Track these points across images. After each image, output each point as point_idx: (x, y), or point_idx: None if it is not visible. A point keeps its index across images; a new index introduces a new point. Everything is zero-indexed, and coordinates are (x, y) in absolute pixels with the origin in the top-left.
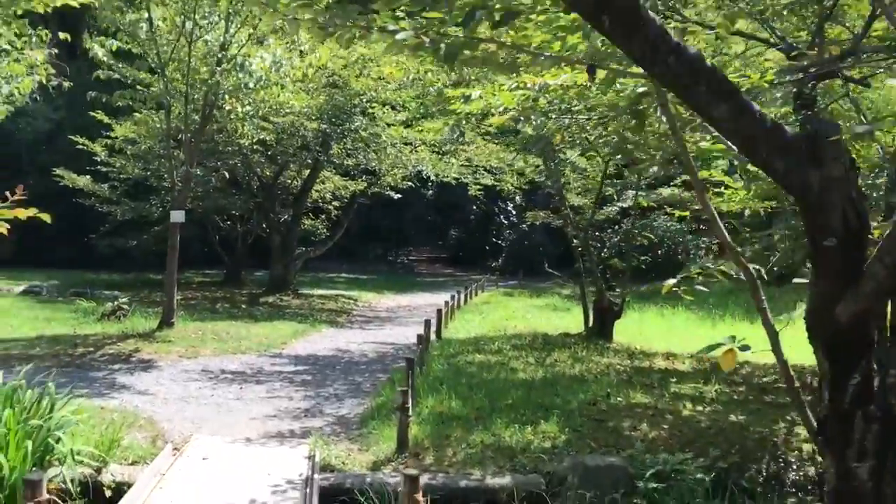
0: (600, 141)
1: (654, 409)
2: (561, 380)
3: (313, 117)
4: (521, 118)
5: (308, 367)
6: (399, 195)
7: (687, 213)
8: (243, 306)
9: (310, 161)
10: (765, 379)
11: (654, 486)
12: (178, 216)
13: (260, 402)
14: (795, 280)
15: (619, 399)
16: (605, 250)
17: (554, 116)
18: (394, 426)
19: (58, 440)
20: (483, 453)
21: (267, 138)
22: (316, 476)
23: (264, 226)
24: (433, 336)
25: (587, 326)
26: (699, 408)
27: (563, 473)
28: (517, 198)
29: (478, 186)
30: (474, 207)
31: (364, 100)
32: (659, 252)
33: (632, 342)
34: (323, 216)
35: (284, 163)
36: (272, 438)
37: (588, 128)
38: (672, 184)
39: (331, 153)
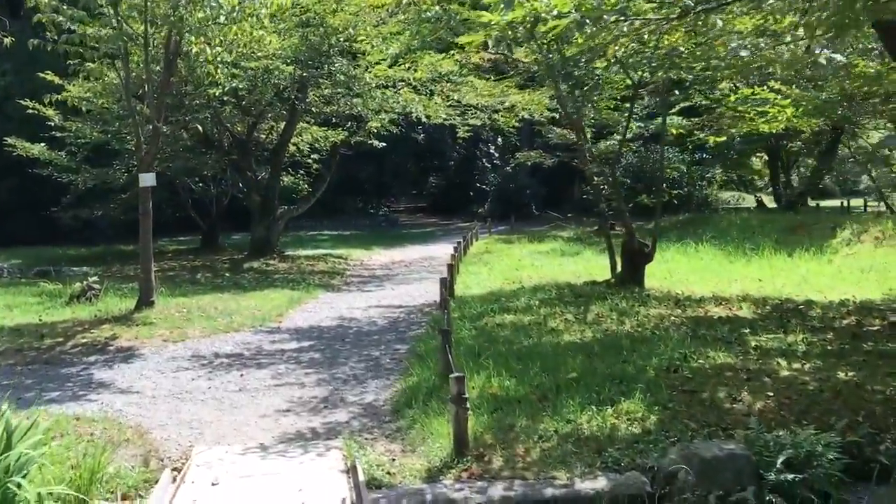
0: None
1: (745, 370)
2: (616, 341)
3: (288, 60)
4: (586, 20)
5: (313, 341)
6: (383, 143)
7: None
8: (227, 275)
9: (286, 111)
10: (846, 322)
11: (789, 477)
12: (147, 179)
13: (267, 391)
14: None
15: (699, 361)
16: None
17: (613, 19)
18: (438, 416)
19: (18, 486)
20: (562, 448)
21: (239, 86)
22: (365, 497)
23: (241, 185)
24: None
25: (614, 272)
26: (796, 365)
27: (670, 468)
28: (499, 139)
29: (467, 128)
30: (454, 154)
31: (342, 38)
32: (665, 185)
33: (667, 286)
34: (302, 171)
35: (259, 114)
36: (292, 442)
37: (646, 37)
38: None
39: (308, 101)
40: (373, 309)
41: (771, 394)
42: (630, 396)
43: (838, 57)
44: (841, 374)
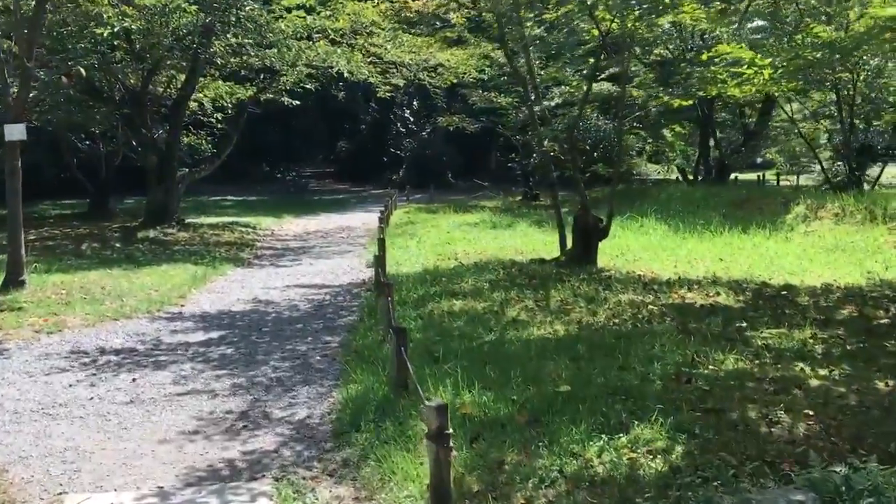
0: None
1: (767, 380)
2: (599, 337)
3: (190, 1)
4: None
5: (224, 331)
6: (296, 101)
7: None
8: (117, 245)
9: (186, 62)
10: (846, 312)
11: None
12: (15, 132)
13: (167, 403)
14: None
15: (708, 367)
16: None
17: None
18: (397, 446)
19: None
20: (574, 497)
21: (132, 27)
22: None
23: (134, 144)
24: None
25: (564, 249)
26: (822, 372)
27: None
28: (415, 103)
29: (387, 88)
30: (366, 117)
31: None
32: (595, 155)
33: (622, 265)
34: (205, 130)
35: (155, 63)
36: (203, 483)
37: None
38: (600, 77)
39: (213, 51)
40: (292, 289)
41: (810, 412)
42: (644, 419)
43: None
44: (880, 384)
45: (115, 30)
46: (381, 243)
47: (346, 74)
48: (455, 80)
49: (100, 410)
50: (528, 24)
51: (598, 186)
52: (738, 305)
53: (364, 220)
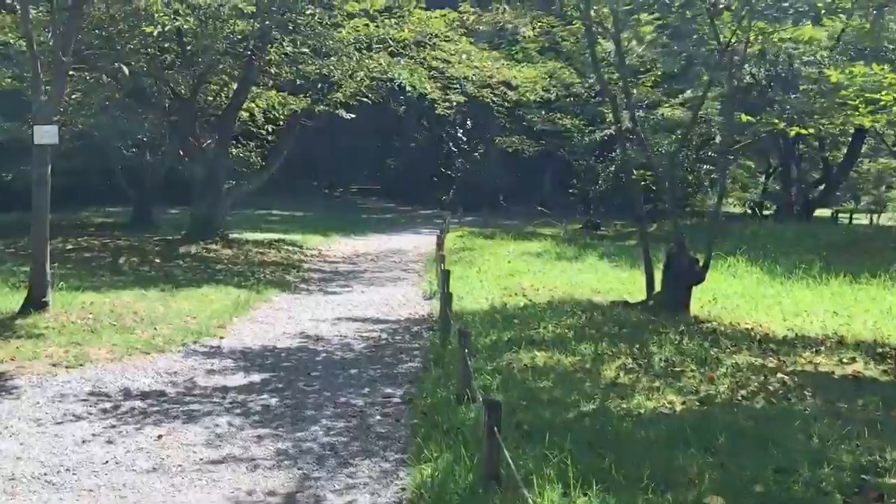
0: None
1: None
2: (729, 418)
3: (248, 3)
4: None
5: (267, 373)
6: (352, 115)
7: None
8: (157, 261)
9: (238, 70)
10: None
11: None
12: (46, 134)
13: (198, 474)
14: None
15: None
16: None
17: None
18: None
19: None
20: None
21: (184, 26)
22: None
23: (181, 153)
24: (437, 307)
25: (651, 292)
26: None
27: None
28: (468, 122)
29: (447, 104)
30: (416, 135)
31: None
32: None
33: (718, 314)
34: (254, 142)
35: (207, 68)
36: None
37: None
38: (668, 104)
39: (268, 58)
40: (343, 323)
41: None
42: None
43: None
44: None
45: (166, 28)
46: (446, 277)
47: (407, 88)
48: (519, 99)
49: (115, 481)
50: (642, 27)
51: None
52: (887, 379)
53: (415, 242)
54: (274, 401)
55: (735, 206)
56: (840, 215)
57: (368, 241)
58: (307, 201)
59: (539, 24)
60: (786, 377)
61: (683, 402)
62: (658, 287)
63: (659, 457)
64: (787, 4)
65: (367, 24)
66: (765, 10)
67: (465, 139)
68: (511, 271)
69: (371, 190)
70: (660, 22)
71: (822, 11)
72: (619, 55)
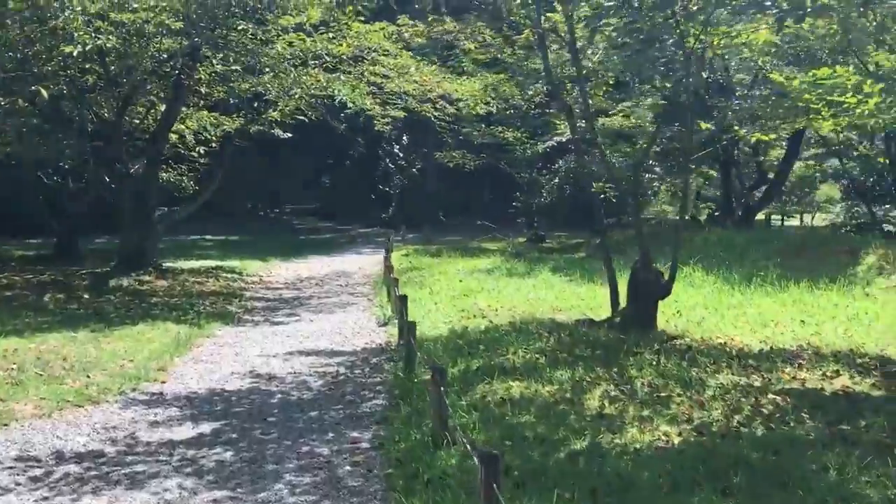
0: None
1: None
2: (733, 449)
3: (175, 17)
4: None
5: (219, 422)
6: (288, 134)
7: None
8: (86, 297)
9: (165, 91)
10: None
11: None
12: None
13: None
14: None
15: None
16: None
17: None
18: None
19: None
20: None
21: (106, 44)
22: None
23: (107, 179)
24: (393, 335)
25: (616, 308)
26: None
27: None
28: (404, 138)
29: (386, 121)
30: (351, 152)
31: None
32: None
33: (685, 328)
34: (185, 165)
35: (132, 90)
36: None
37: None
38: (611, 113)
39: (197, 77)
40: (296, 358)
41: None
42: None
43: None
44: None
45: (87, 48)
46: (403, 303)
47: (348, 105)
48: (458, 113)
49: None
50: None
51: (619, 229)
52: (879, 394)
53: (359, 263)
54: (229, 455)
55: (669, 213)
56: (772, 218)
57: (310, 263)
58: (242, 224)
59: (482, 35)
60: (777, 398)
61: (679, 434)
62: (622, 302)
63: (671, 503)
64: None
65: (302, 39)
66: (738, 8)
67: (401, 155)
68: (464, 291)
69: (305, 210)
70: (613, 26)
71: (808, 9)
72: (575, 63)
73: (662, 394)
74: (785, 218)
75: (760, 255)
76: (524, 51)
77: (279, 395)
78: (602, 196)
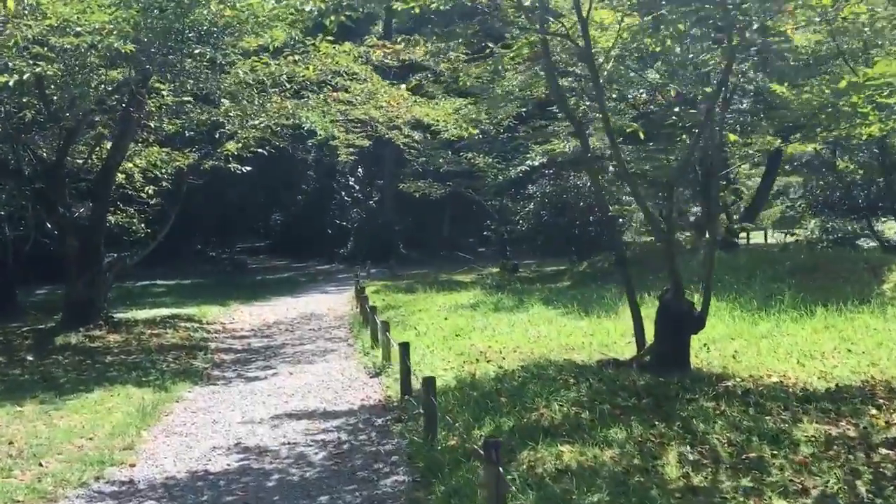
0: None
1: None
2: None
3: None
4: None
5: None
6: (247, 168)
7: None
8: (30, 359)
9: (111, 125)
10: None
11: None
12: None
13: None
14: None
15: None
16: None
17: None
18: None
19: None
20: None
21: (46, 72)
22: None
23: (49, 225)
24: (391, 387)
25: (642, 346)
26: None
27: None
28: (359, 169)
29: (349, 150)
30: (303, 186)
31: (209, 16)
32: (591, 219)
33: (723, 364)
34: (134, 207)
35: (75, 126)
36: None
37: None
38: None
39: (148, 111)
40: (286, 423)
41: None
42: None
43: None
44: None
45: (25, 77)
46: (405, 351)
47: (319, 133)
48: (429, 138)
49: None
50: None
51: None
52: None
53: (327, 304)
54: None
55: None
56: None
57: (274, 306)
58: (192, 266)
59: (456, 54)
60: (890, 452)
61: None
62: (646, 336)
63: None
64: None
65: (266, 63)
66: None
67: (357, 187)
68: (454, 330)
69: (256, 248)
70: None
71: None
72: (593, 74)
73: (751, 454)
74: (747, 236)
75: (769, 276)
76: (489, 74)
77: (276, 476)
78: (593, 218)
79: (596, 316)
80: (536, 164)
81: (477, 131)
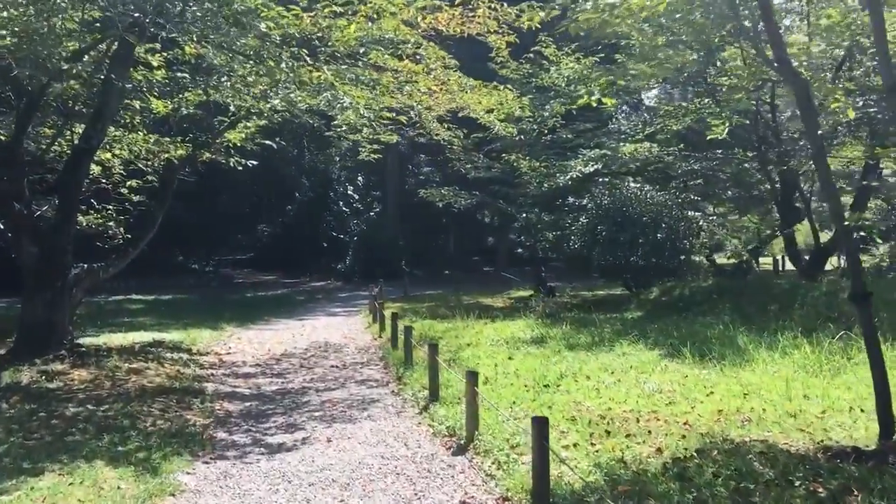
0: None
1: None
2: None
3: None
4: None
5: None
6: (253, 161)
7: None
8: None
9: (79, 105)
10: None
11: None
12: None
13: None
14: None
15: None
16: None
17: None
18: None
19: None
20: None
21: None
22: None
23: (1, 227)
24: (498, 477)
25: (888, 427)
26: None
27: None
28: (359, 178)
29: (373, 147)
30: (297, 195)
31: None
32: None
33: None
34: (112, 206)
35: (37, 97)
36: None
37: None
38: (634, 139)
39: (129, 81)
40: None
41: None
42: None
43: None
44: None
45: None
46: (542, 430)
47: (352, 118)
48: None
49: None
50: None
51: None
52: None
53: (341, 330)
54: None
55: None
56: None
57: (276, 331)
58: (173, 280)
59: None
60: None
61: None
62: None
63: None
64: None
65: (297, 14)
66: None
67: (357, 197)
68: (534, 376)
69: (241, 261)
70: None
71: None
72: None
73: None
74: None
75: (832, 307)
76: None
77: None
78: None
79: (718, 362)
80: (591, 170)
81: (514, 130)
